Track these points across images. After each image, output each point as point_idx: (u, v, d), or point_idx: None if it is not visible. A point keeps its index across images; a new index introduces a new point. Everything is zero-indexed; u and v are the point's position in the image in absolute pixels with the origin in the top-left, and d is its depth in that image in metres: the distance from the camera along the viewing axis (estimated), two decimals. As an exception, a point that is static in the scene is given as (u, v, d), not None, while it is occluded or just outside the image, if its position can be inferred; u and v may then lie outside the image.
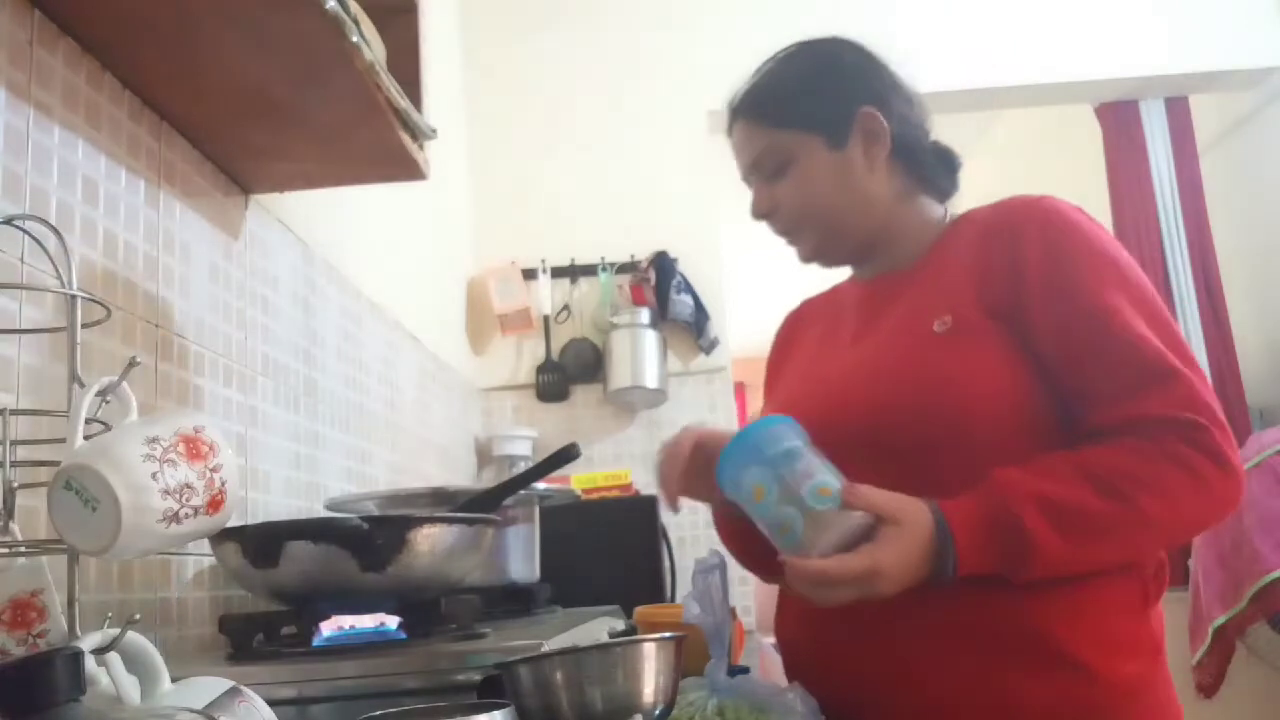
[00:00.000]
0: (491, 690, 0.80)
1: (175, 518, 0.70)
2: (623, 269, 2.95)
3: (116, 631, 0.65)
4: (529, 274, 2.92)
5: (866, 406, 1.03)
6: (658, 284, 2.89)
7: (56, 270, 0.83)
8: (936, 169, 1.15)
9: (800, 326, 1.30)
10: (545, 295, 2.93)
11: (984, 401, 0.98)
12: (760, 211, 1.16)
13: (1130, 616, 0.99)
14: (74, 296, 0.77)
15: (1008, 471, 0.94)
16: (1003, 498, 0.92)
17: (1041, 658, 0.95)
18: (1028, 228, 1.03)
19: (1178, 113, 3.42)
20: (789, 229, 1.16)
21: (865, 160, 1.11)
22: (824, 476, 0.92)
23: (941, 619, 0.96)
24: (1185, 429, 0.93)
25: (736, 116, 1.16)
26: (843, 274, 1.26)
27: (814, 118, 1.11)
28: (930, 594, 0.93)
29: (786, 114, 1.12)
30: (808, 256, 1.17)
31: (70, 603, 0.72)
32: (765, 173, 1.14)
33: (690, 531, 2.77)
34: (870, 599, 0.89)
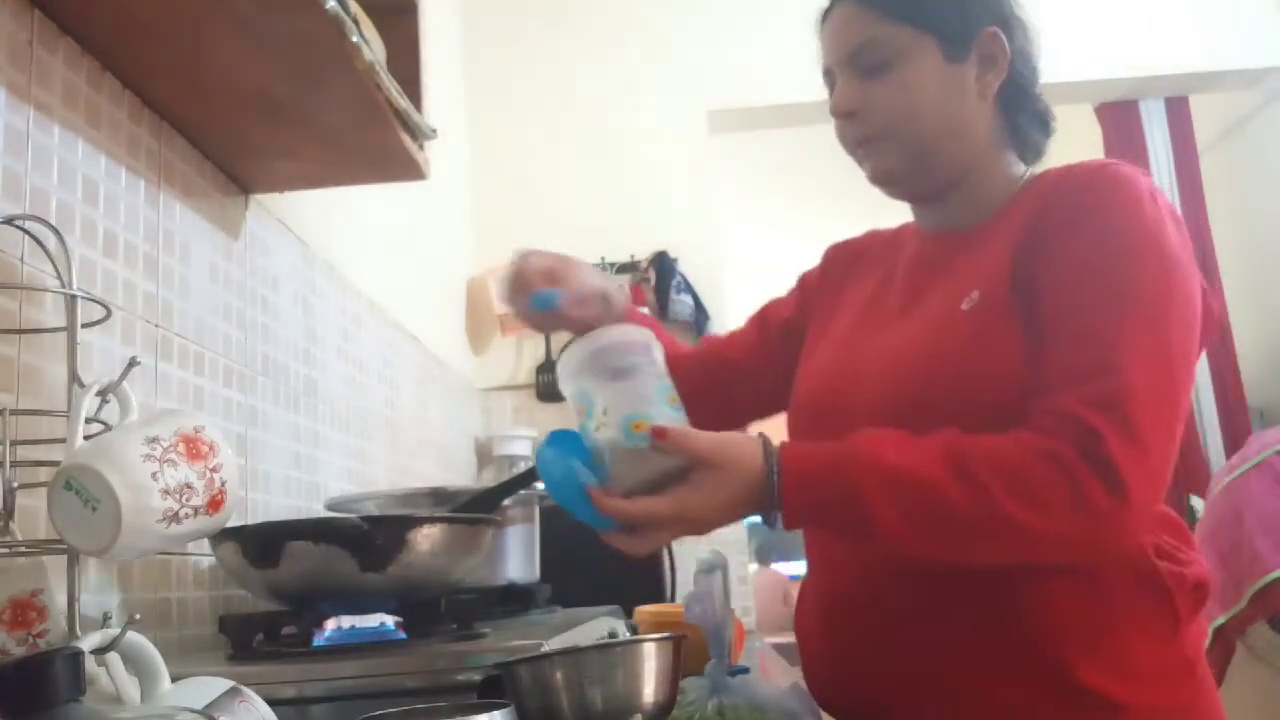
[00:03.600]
0: (491, 690, 0.80)
1: (175, 518, 0.70)
2: (623, 269, 2.95)
3: (116, 631, 0.65)
4: (529, 274, 2.91)
5: (897, 391, 0.96)
6: (658, 284, 2.89)
7: (56, 270, 0.83)
8: (1033, 123, 1.05)
9: (858, 262, 1.18)
10: (545, 295, 2.93)
11: (990, 387, 0.90)
12: (845, 108, 1.01)
13: (1156, 641, 0.91)
14: (74, 296, 0.77)
15: (876, 434, 0.86)
16: (849, 456, 0.85)
17: (1059, 688, 0.88)
18: (1066, 192, 0.94)
19: (1178, 113, 3.43)
20: (872, 136, 1.01)
21: (977, 85, 1.00)
22: (645, 408, 0.85)
23: (960, 643, 0.91)
24: (1081, 432, 0.82)
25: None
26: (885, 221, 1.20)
27: (936, 19, 0.98)
28: (951, 619, 0.89)
29: (906, 6, 0.98)
30: (880, 175, 1.03)
31: (70, 603, 0.72)
32: (861, 67, 1.00)
33: (690, 531, 2.76)
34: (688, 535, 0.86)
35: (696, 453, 0.84)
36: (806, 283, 1.23)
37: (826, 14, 1.05)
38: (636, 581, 2.05)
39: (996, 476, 0.82)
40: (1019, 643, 0.89)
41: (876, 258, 1.15)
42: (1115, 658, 0.89)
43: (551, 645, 0.85)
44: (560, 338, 2.94)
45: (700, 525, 0.85)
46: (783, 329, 1.21)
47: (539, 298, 1.02)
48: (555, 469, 0.88)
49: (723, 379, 1.22)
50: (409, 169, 1.32)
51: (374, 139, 1.22)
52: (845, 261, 1.20)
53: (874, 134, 1.01)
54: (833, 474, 0.85)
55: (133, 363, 0.75)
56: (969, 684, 0.91)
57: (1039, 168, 1.06)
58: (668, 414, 0.86)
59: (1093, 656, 0.89)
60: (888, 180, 1.04)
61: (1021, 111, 1.04)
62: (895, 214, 1.14)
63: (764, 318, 1.24)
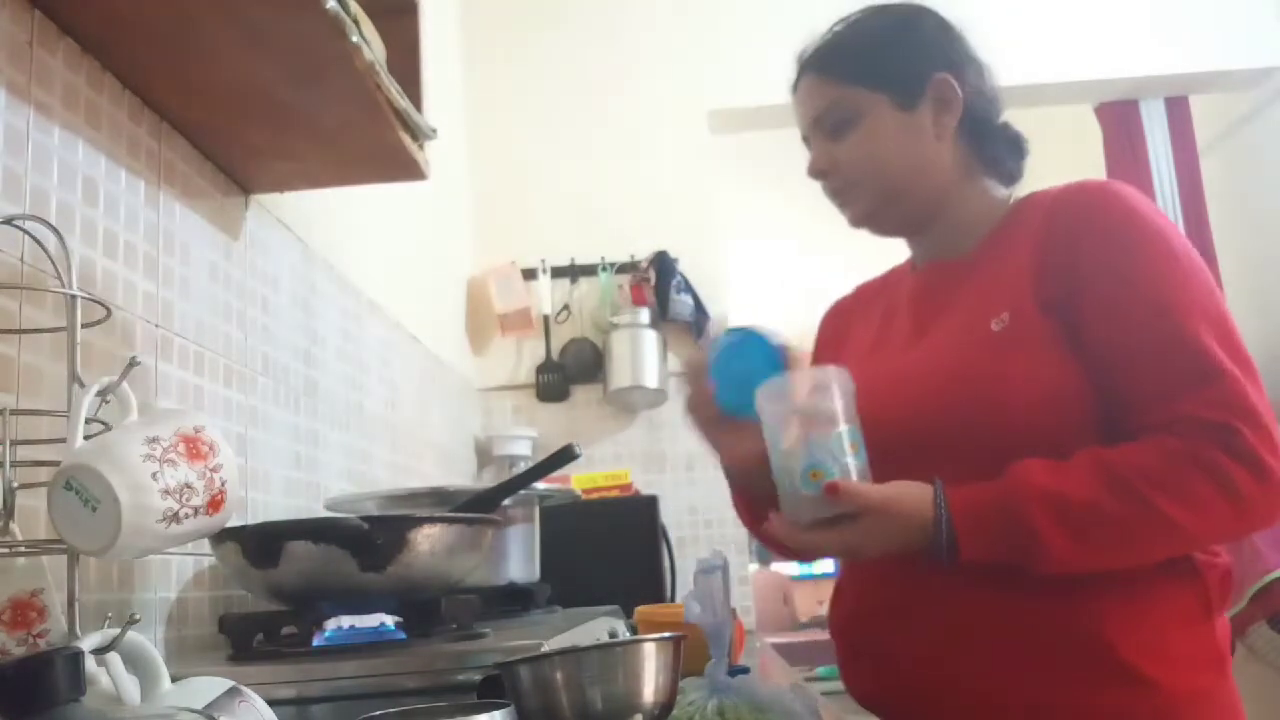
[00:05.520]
0: (491, 690, 0.80)
1: (175, 518, 0.70)
2: (623, 269, 2.95)
3: (116, 631, 0.65)
4: (529, 274, 2.92)
5: (920, 410, 1.02)
6: (658, 284, 2.89)
7: (56, 270, 0.83)
8: (1003, 150, 1.12)
9: (852, 315, 1.27)
10: (545, 295, 2.93)
11: (1033, 406, 0.96)
12: (817, 169, 1.12)
13: (1191, 627, 0.96)
14: (74, 296, 0.77)
15: (1026, 464, 0.92)
16: (1012, 490, 0.91)
17: (1096, 667, 0.93)
18: (1088, 214, 1.00)
19: (1178, 113, 3.42)
20: (844, 188, 1.11)
21: (934, 127, 1.08)
22: (824, 457, 0.92)
23: (994, 623, 0.96)
24: (1218, 432, 0.89)
25: (804, 71, 1.13)
26: (889, 258, 1.24)
27: (885, 76, 1.08)
28: (984, 597, 0.94)
29: (856, 69, 1.09)
30: (858, 219, 1.13)
31: (70, 603, 0.72)
32: (826, 129, 1.11)
33: (690, 531, 2.77)
34: None
35: (866, 506, 0.92)
36: (816, 355, 1.29)
37: (795, 85, 1.16)
38: (636, 581, 2.05)
39: (1150, 484, 0.89)
40: (1058, 621, 0.94)
41: (869, 304, 1.24)
42: (1152, 639, 0.94)
43: (551, 645, 0.85)
44: (560, 339, 2.94)
45: (865, 555, 0.95)
46: None
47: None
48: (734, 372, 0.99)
49: None
50: (409, 169, 1.32)
51: (374, 139, 1.22)
52: (841, 317, 1.29)
53: (845, 186, 1.11)
54: (1000, 511, 0.91)
55: (133, 363, 0.75)
56: (1002, 660, 0.95)
57: (1023, 189, 1.13)
58: (845, 463, 0.92)
59: (1131, 636, 0.93)
60: (865, 222, 1.13)
61: (988, 142, 1.11)
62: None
63: None
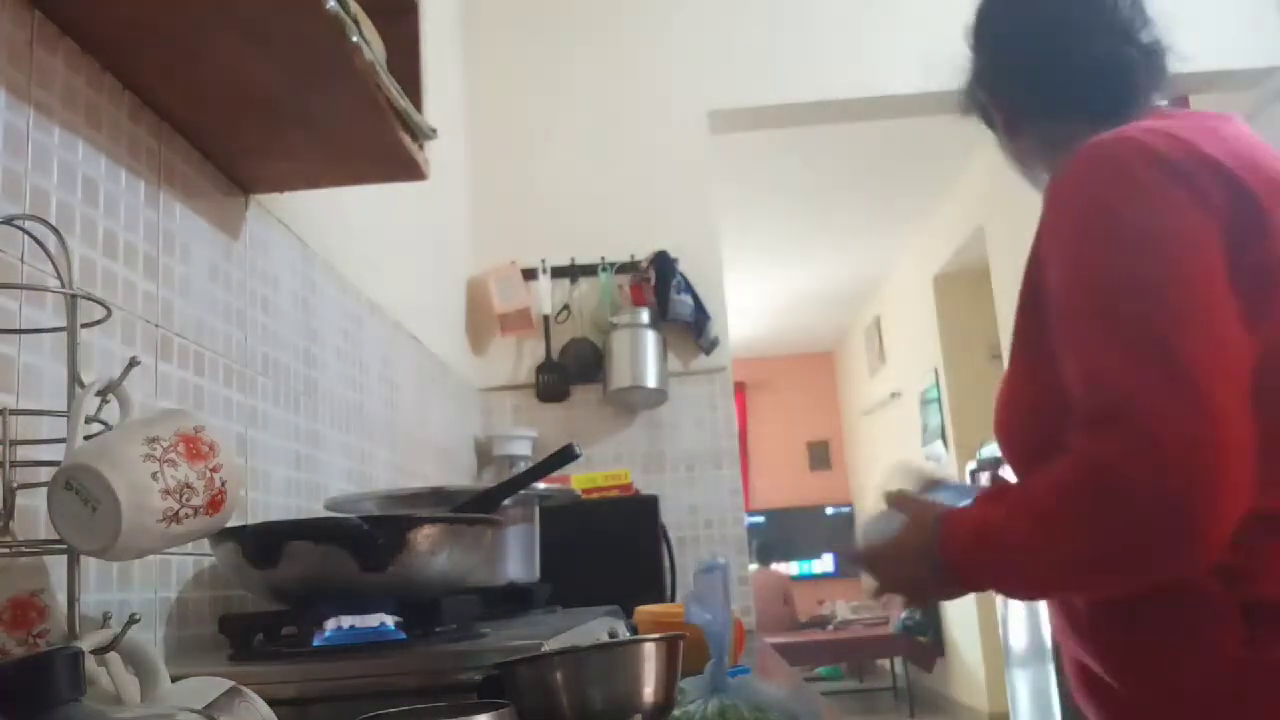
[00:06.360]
0: (491, 690, 0.80)
1: (175, 518, 0.70)
2: (623, 269, 2.95)
3: (116, 631, 0.65)
4: (529, 274, 2.92)
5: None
6: (658, 284, 2.89)
7: (56, 270, 0.83)
8: (1064, 95, 1.03)
9: None
10: (545, 295, 2.93)
11: (1020, 437, 0.96)
12: None
13: (1197, 657, 0.85)
14: (74, 296, 0.77)
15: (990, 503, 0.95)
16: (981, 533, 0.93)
17: (1107, 697, 0.93)
18: (1052, 187, 0.92)
19: (1178, 113, 3.42)
20: None
21: (1018, 138, 1.12)
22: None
23: (1078, 665, 0.98)
24: (1088, 456, 0.80)
25: None
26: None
27: (975, 114, 1.16)
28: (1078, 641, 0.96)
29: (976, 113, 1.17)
30: None
31: (70, 603, 0.72)
32: None
33: (690, 531, 2.77)
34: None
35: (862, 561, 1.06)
36: None
37: None
38: (636, 581, 2.05)
39: (1022, 504, 0.88)
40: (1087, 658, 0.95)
41: None
42: (1156, 672, 0.88)
43: (551, 645, 0.85)
44: (560, 339, 2.94)
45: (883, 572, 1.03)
46: None
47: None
48: None
49: None
50: (409, 169, 1.32)
51: (374, 139, 1.22)
52: None
53: None
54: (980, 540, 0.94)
55: (133, 363, 0.75)
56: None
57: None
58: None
59: (1137, 669, 0.90)
60: None
61: (1049, 106, 1.06)
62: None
63: None
